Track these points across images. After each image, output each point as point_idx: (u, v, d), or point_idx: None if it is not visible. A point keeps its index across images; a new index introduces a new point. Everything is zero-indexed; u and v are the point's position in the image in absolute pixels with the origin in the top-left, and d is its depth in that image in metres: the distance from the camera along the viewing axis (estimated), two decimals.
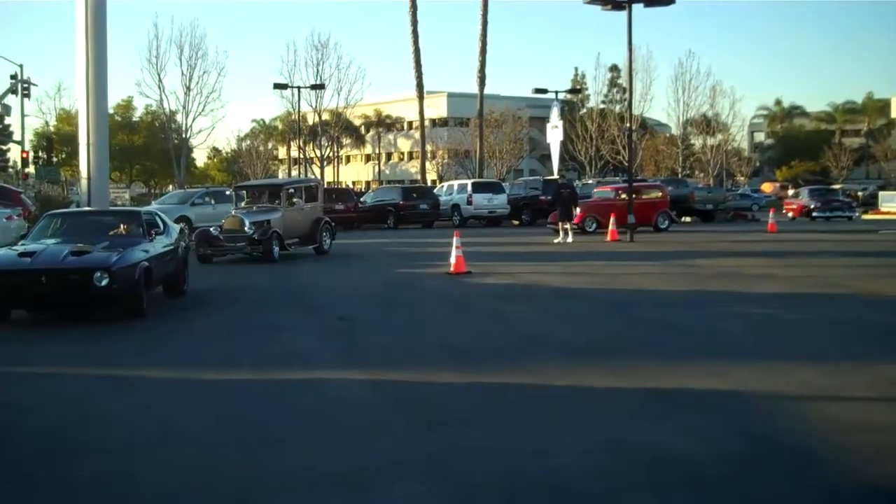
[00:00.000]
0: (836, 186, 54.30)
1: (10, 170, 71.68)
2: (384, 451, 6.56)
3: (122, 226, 14.50)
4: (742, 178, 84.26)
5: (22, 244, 14.31)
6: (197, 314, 14.12)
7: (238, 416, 7.66)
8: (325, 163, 74.97)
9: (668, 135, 78.27)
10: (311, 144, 74.15)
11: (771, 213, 36.06)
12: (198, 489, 5.82)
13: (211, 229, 23.34)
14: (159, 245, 14.42)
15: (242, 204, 24.71)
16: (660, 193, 35.18)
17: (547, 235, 29.99)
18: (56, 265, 12.48)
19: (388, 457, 6.39)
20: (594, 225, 32.42)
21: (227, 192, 32.55)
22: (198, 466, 6.27)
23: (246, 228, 22.49)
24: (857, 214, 46.11)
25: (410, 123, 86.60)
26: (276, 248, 22.57)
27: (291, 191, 25.11)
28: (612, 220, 29.94)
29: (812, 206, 44.13)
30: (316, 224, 24.84)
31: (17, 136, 59.60)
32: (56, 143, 72.28)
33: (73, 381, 9.24)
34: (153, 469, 6.24)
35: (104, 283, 12.21)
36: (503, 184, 46.83)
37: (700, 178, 69.78)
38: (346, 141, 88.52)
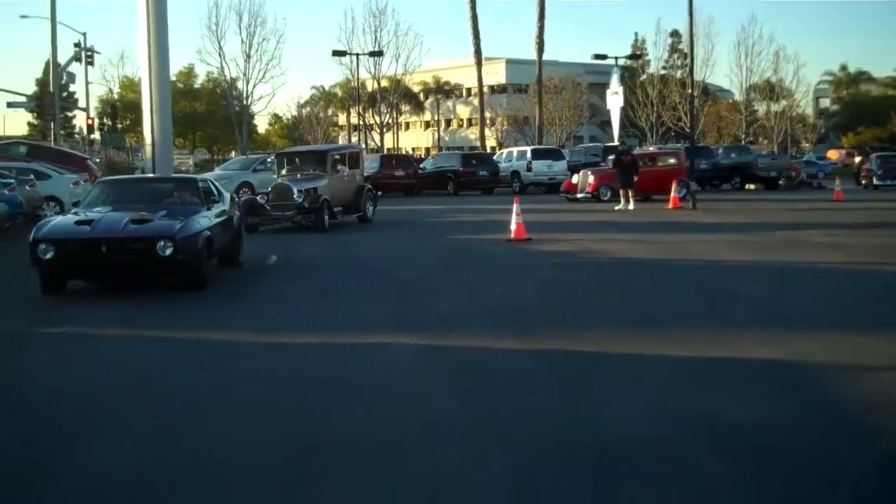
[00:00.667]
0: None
1: (77, 136, 72.97)
2: (439, 413, 6.61)
3: (178, 193, 14.15)
4: (807, 145, 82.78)
5: (75, 212, 13.79)
6: (255, 283, 14.01)
7: (296, 378, 7.76)
8: (384, 129, 75.09)
9: (730, 101, 77.02)
10: (371, 111, 74.31)
11: (837, 181, 35.38)
12: (252, 452, 5.92)
13: (257, 198, 22.76)
14: (216, 214, 13.91)
15: (284, 171, 23.72)
16: (675, 161, 33.43)
17: (609, 202, 29.74)
18: (117, 234, 12.07)
19: (442, 418, 6.44)
20: (608, 193, 31.09)
21: (269, 160, 32.58)
22: (255, 428, 6.37)
23: (295, 196, 21.71)
24: None
25: (469, 90, 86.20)
26: (327, 217, 21.98)
27: (337, 157, 24.46)
28: (674, 185, 29.61)
29: (875, 174, 42.62)
30: (359, 192, 24.24)
31: (81, 104, 60.64)
32: (120, 110, 73.41)
33: (134, 343, 9.42)
34: (208, 430, 6.36)
35: (168, 252, 11.80)
36: (563, 150, 46.52)
37: (764, 144, 68.72)
38: (405, 108, 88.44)
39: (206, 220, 13.10)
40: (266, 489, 5.24)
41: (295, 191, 21.80)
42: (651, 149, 42.92)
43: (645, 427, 6.25)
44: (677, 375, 7.68)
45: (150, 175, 21.55)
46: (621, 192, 28.41)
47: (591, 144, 51.45)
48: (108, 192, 14.32)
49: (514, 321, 10.20)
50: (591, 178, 31.95)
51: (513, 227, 18.98)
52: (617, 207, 27.80)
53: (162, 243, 11.84)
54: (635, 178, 28.91)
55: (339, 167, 23.86)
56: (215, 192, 14.92)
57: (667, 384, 7.40)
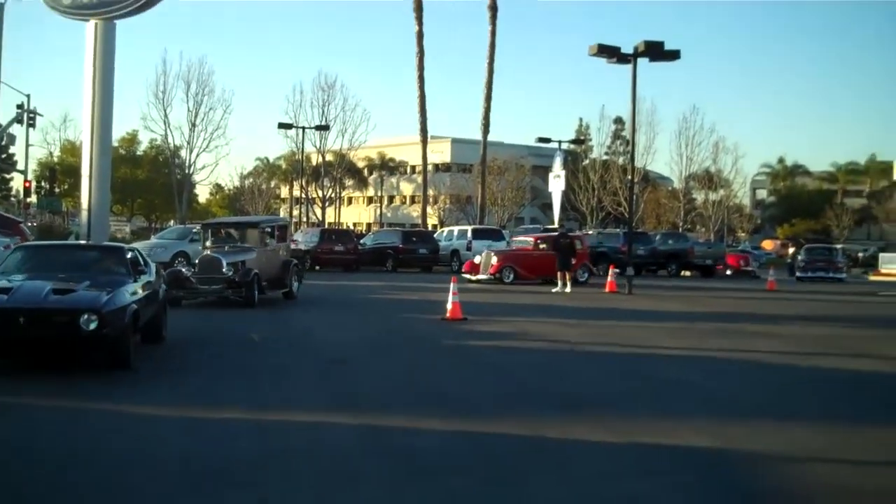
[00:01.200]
0: (838, 246, 54.10)
1: (13, 199, 71.89)
2: (367, 497, 6.44)
3: (104, 262, 13.24)
4: (743, 234, 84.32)
5: None
6: (180, 361, 13.06)
7: (215, 456, 7.55)
8: (326, 203, 75.11)
9: (670, 188, 78.42)
10: (314, 184, 74.31)
11: (771, 271, 36.01)
12: None
13: (182, 269, 21.64)
14: (143, 285, 12.85)
15: (209, 243, 22.64)
16: (579, 244, 32.43)
17: (546, 285, 29.87)
18: (38, 304, 10.86)
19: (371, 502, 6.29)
20: (511, 275, 31.28)
21: (194, 230, 32.11)
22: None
23: (224, 269, 20.70)
24: (845, 276, 43.68)
25: (413, 167, 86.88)
26: (256, 292, 20.94)
27: (268, 230, 23.62)
28: (611, 270, 29.90)
29: (798, 266, 42.96)
30: (285, 267, 23.20)
31: (20, 166, 59.82)
32: (59, 174, 72.52)
33: (54, 417, 9.11)
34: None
35: (92, 326, 10.63)
36: (504, 231, 46.85)
37: (701, 232, 69.81)
38: (348, 182, 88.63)
39: (132, 292, 12.11)
40: None
41: (224, 264, 20.83)
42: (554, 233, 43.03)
43: None
44: (607, 461, 7.61)
45: (75, 242, 20.55)
46: (559, 274, 28.57)
47: (532, 226, 51.95)
48: (29, 258, 13.24)
49: (446, 403, 10.08)
50: (494, 260, 31.61)
51: (449, 306, 18.90)
52: (554, 290, 27.91)
53: (86, 316, 10.70)
54: (573, 261, 29.15)
55: (267, 240, 23.04)
56: (142, 261, 13.98)
57: (596, 470, 7.32)
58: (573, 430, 8.71)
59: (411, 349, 14.97)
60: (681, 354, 14.70)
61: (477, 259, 32.68)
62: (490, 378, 12.11)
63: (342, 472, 7.15)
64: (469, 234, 41.89)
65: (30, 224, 40.96)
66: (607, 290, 28.62)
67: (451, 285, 19.37)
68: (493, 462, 7.57)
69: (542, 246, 32.13)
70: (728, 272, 44.34)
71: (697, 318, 20.86)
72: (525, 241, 35.01)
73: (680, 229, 63.57)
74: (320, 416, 9.17)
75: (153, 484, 6.75)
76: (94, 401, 9.77)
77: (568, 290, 27.74)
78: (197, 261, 21.57)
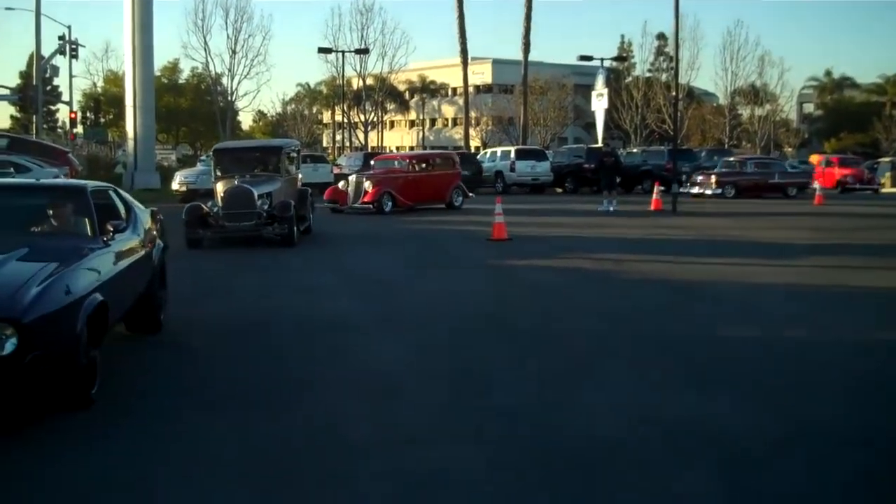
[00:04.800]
0: (887, 159, 53.11)
1: (59, 130, 72.58)
2: (411, 414, 6.62)
3: (55, 215, 8.18)
4: (790, 150, 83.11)
5: None
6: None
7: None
8: (368, 127, 75.08)
9: (715, 104, 77.32)
10: (356, 109, 74.24)
11: (818, 185, 35.57)
12: None
13: (202, 205, 18.53)
14: (120, 252, 8.03)
15: (219, 173, 19.38)
16: (452, 165, 29.81)
17: (592, 203, 29.80)
18: None
19: (415, 419, 6.45)
20: (390, 203, 26.75)
21: (202, 158, 30.83)
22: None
23: (256, 203, 17.94)
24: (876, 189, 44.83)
25: (455, 90, 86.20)
26: (296, 228, 18.47)
27: (292, 154, 21.14)
28: (656, 188, 29.75)
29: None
30: (303, 197, 20.24)
31: (65, 98, 60.29)
32: (103, 104, 73.13)
33: None
34: None
35: (8, 348, 5.89)
36: (547, 151, 46.63)
37: (747, 148, 68.95)
38: (390, 106, 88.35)
39: (96, 269, 7.21)
40: None
41: (256, 196, 18.04)
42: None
43: (608, 426, 6.25)
44: (646, 377, 7.70)
45: (11, 181, 13.65)
46: (604, 193, 28.53)
47: (575, 146, 51.53)
48: None
49: (487, 321, 10.22)
50: (367, 186, 26.72)
51: (493, 227, 18.99)
52: (599, 209, 27.88)
53: None
54: (618, 180, 29.04)
55: (288, 167, 20.31)
56: (122, 208, 9.06)
57: (636, 385, 7.42)
58: (611, 344, 8.81)
59: (456, 269, 15.11)
60: (727, 272, 14.66)
61: (342, 185, 27.76)
62: (530, 295, 12.21)
63: (386, 388, 7.33)
64: (512, 154, 41.78)
65: (77, 154, 41.40)
66: (652, 207, 28.51)
67: (496, 206, 19.45)
68: (534, 379, 7.69)
69: (414, 166, 28.40)
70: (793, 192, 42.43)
71: (741, 227, 20.77)
72: (388, 162, 29.97)
73: (725, 146, 62.81)
74: (363, 336, 9.36)
75: None
76: None
77: (612, 208, 27.70)
78: (222, 194, 18.23)
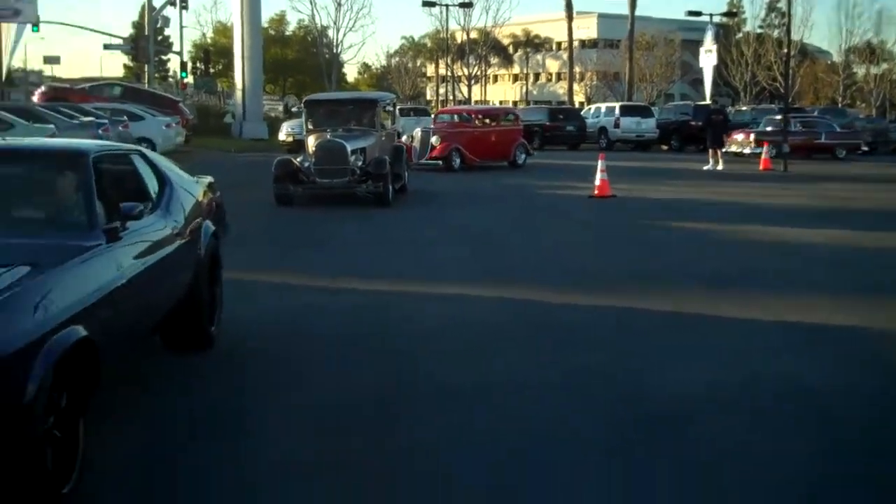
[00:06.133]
0: None
1: (170, 79, 74.19)
2: (509, 367, 6.70)
3: (34, 195, 5.75)
4: None
5: None
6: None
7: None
8: (472, 82, 74.93)
9: (828, 62, 74.93)
10: (459, 63, 74.09)
11: None
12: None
13: (292, 159, 17.75)
14: (138, 246, 5.58)
15: (311, 126, 18.42)
16: (515, 121, 28.76)
17: (697, 162, 29.30)
18: None
19: (514, 373, 6.53)
20: (458, 161, 25.46)
21: (294, 109, 29.78)
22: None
23: (350, 159, 16.92)
24: None
25: (559, 44, 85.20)
26: (392, 187, 17.56)
27: (389, 108, 20.20)
28: (765, 148, 29.05)
29: None
30: (398, 154, 18.93)
31: (176, 48, 61.50)
32: (213, 55, 74.34)
33: None
34: None
35: None
36: (653, 108, 45.94)
37: (861, 108, 66.76)
38: (493, 60, 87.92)
39: (81, 283, 4.68)
40: None
41: (349, 151, 17.00)
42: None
43: (710, 387, 6.24)
44: (750, 338, 7.62)
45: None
46: (710, 151, 28.05)
47: (682, 103, 50.72)
48: None
49: (589, 277, 10.25)
50: (434, 141, 25.55)
51: (597, 183, 18.88)
52: (705, 167, 27.42)
53: None
54: (725, 138, 28.42)
55: (385, 122, 19.31)
56: (151, 182, 6.45)
57: (739, 346, 7.36)
58: (714, 305, 8.73)
59: (557, 225, 15.11)
60: (831, 232, 14.32)
61: (405, 139, 24.01)
62: (634, 253, 12.14)
63: (488, 342, 7.42)
64: (617, 110, 41.27)
65: (188, 104, 42.36)
66: (761, 167, 27.90)
67: (600, 162, 19.31)
68: (634, 337, 7.70)
69: (479, 121, 27.26)
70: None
71: (854, 188, 20.21)
72: (447, 116, 29.32)
73: (839, 105, 60.90)
74: (467, 287, 9.47)
75: None
76: None
77: (720, 167, 27.22)
78: (313, 148, 17.30)
